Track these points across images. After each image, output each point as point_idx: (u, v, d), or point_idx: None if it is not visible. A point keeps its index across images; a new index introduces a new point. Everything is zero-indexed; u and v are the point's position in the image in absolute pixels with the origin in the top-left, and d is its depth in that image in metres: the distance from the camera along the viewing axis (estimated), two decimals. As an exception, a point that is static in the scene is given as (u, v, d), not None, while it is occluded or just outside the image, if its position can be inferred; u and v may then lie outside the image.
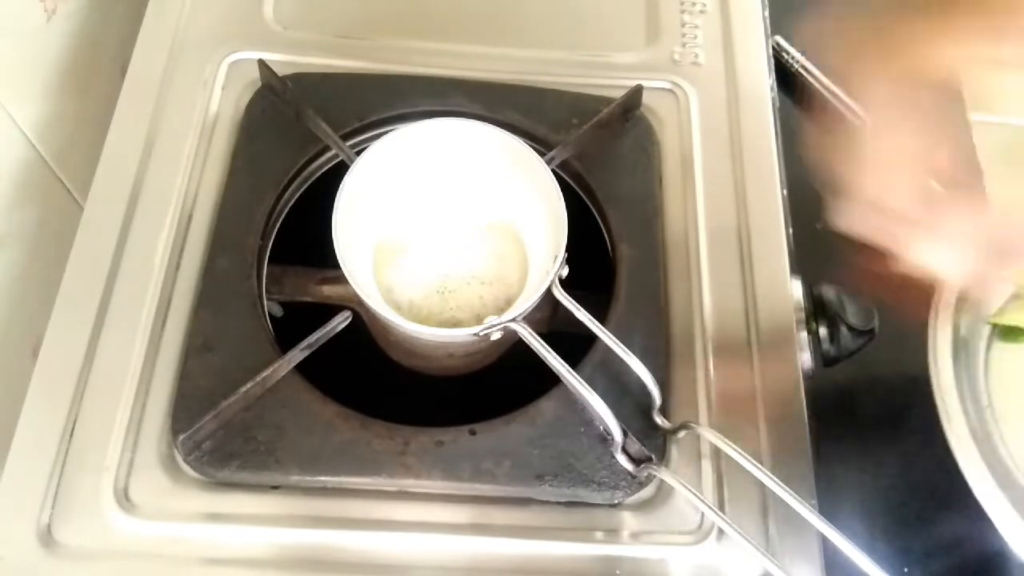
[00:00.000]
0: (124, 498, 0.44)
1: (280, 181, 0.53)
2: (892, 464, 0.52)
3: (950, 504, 0.42)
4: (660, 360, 0.49)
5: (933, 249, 0.37)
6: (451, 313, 0.49)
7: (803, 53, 0.65)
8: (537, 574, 0.44)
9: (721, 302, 0.52)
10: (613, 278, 0.51)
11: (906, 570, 0.49)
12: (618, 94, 0.56)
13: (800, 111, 0.64)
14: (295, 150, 0.54)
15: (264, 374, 0.45)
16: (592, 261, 0.50)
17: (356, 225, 0.46)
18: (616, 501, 0.45)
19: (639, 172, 0.55)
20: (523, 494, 0.45)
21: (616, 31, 0.63)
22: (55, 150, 0.59)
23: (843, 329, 0.49)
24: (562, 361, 0.43)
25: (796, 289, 0.52)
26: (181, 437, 0.43)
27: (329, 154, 0.55)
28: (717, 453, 0.47)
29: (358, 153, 0.47)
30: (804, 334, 0.51)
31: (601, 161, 0.55)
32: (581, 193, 0.55)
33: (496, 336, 0.44)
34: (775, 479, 0.41)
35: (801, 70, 0.65)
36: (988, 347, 0.49)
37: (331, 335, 0.47)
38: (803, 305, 0.51)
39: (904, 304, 0.44)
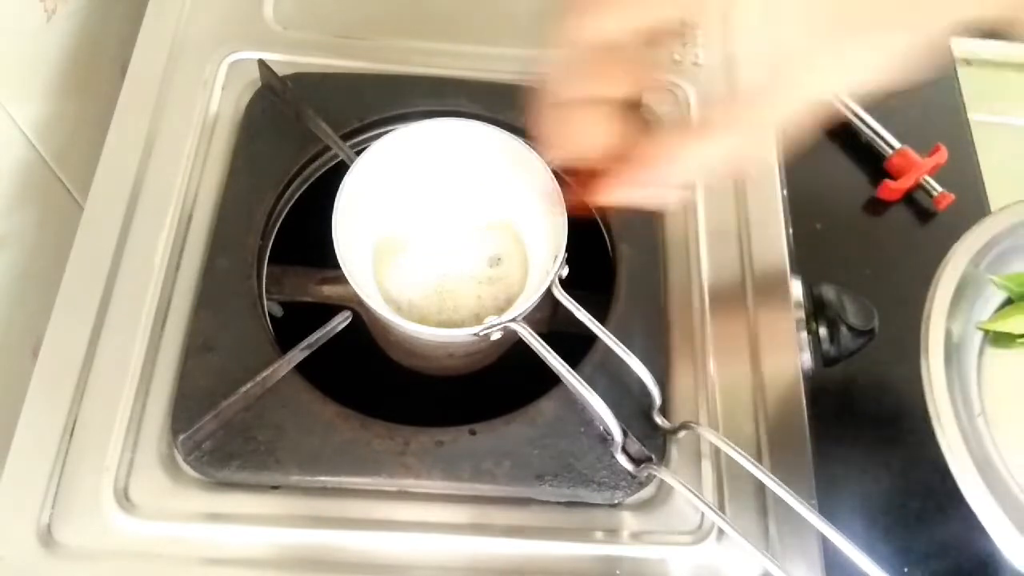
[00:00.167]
0: (124, 498, 0.44)
1: (280, 181, 0.53)
2: (892, 464, 0.52)
3: (950, 504, 0.42)
4: (660, 360, 0.49)
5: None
6: (451, 313, 0.49)
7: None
8: (537, 574, 0.44)
9: (721, 302, 0.52)
10: (613, 278, 0.51)
11: (906, 570, 0.49)
12: (618, 94, 0.56)
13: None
14: (295, 150, 0.54)
15: (264, 374, 0.45)
16: (592, 261, 0.50)
17: (356, 225, 0.46)
18: (616, 501, 0.45)
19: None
20: (523, 494, 0.45)
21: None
22: (55, 150, 0.59)
23: (843, 329, 0.49)
24: (562, 361, 0.43)
25: (796, 289, 0.52)
26: (181, 437, 0.43)
27: (329, 154, 0.55)
28: (717, 453, 0.47)
29: (358, 153, 0.47)
30: (804, 334, 0.51)
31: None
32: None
33: (496, 336, 0.44)
34: (775, 479, 0.41)
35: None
36: (980, 353, 0.49)
37: (331, 335, 0.47)
38: (803, 305, 0.51)
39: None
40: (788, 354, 0.50)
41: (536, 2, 0.64)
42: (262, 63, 0.55)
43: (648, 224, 0.53)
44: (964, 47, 0.68)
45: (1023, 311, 0.49)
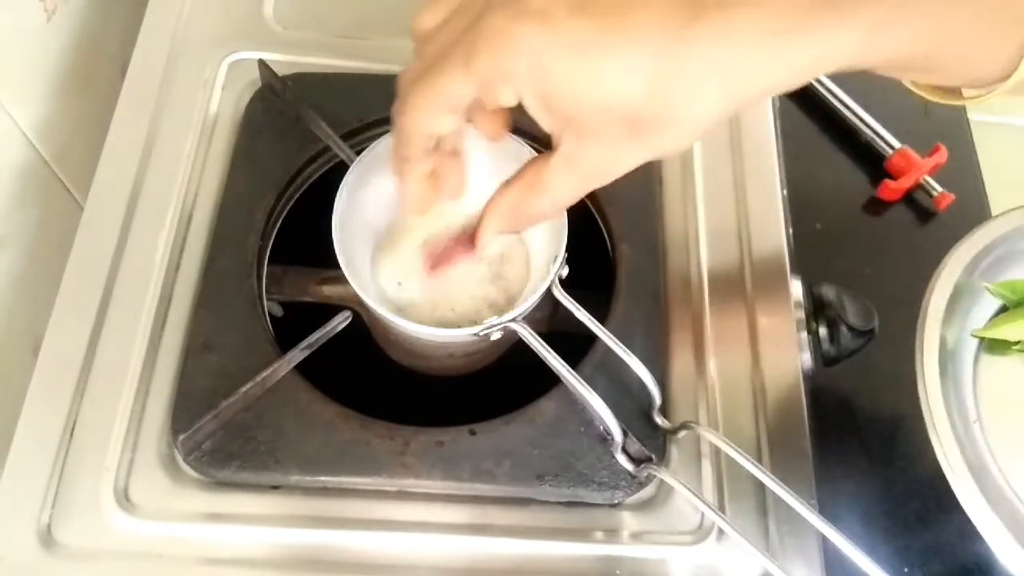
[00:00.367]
0: (124, 498, 0.44)
1: (280, 181, 0.53)
2: (892, 464, 0.52)
3: (950, 504, 0.42)
4: (660, 360, 0.49)
5: None
6: (450, 313, 0.49)
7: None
8: (537, 574, 0.44)
9: (721, 302, 0.52)
10: (613, 278, 0.51)
11: (906, 570, 0.49)
12: (618, 94, 0.56)
13: (801, 112, 0.64)
14: (295, 150, 0.54)
15: (264, 374, 0.45)
16: (592, 261, 0.50)
17: (356, 225, 0.46)
18: (616, 501, 0.45)
19: (639, 172, 0.54)
20: (523, 494, 0.45)
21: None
22: (55, 150, 0.59)
23: (843, 329, 0.49)
24: (562, 361, 0.43)
25: (796, 289, 0.52)
26: (181, 437, 0.43)
27: (329, 154, 0.55)
28: (717, 453, 0.47)
29: (358, 153, 0.47)
30: (804, 334, 0.51)
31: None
32: (581, 193, 0.55)
33: (496, 336, 0.44)
34: (775, 479, 0.41)
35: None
36: (975, 360, 0.49)
37: (331, 335, 0.47)
38: (803, 305, 0.51)
39: None
40: (788, 354, 0.50)
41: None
42: (262, 63, 0.55)
43: (648, 224, 0.53)
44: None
45: (1018, 318, 0.49)
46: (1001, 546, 0.41)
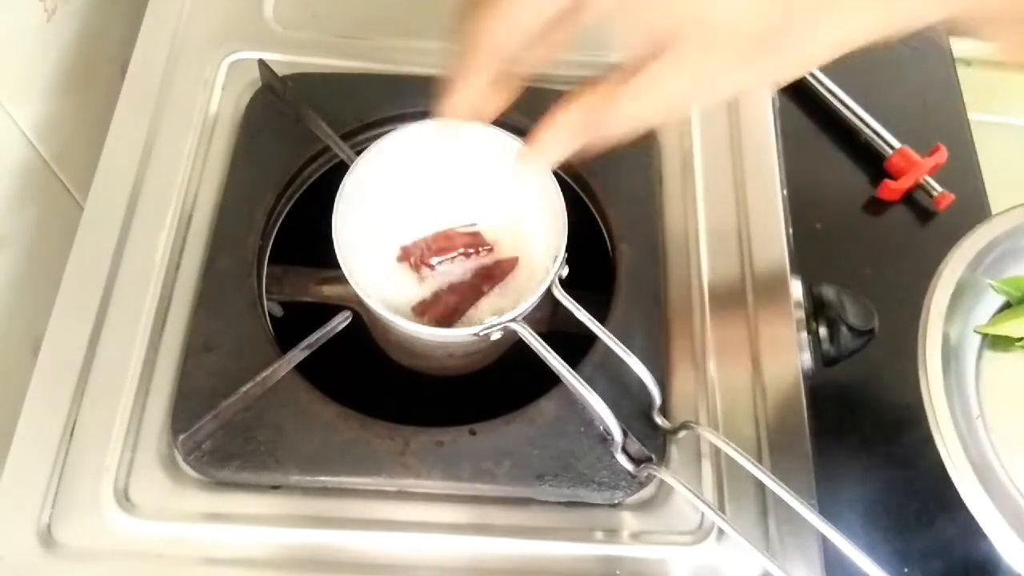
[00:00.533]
0: (124, 498, 0.44)
1: (280, 181, 0.53)
2: (892, 464, 0.52)
3: (950, 504, 0.42)
4: (660, 360, 0.49)
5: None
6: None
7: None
8: (537, 574, 0.44)
9: (721, 302, 0.52)
10: (613, 278, 0.51)
11: (906, 570, 0.49)
12: (618, 94, 0.56)
13: (801, 111, 0.64)
14: (295, 150, 0.54)
15: (264, 374, 0.45)
16: (592, 261, 0.50)
17: (356, 225, 0.46)
18: (616, 501, 0.45)
19: (639, 172, 0.55)
20: (523, 494, 0.45)
21: (616, 31, 0.63)
22: (55, 150, 0.59)
23: (843, 329, 0.49)
24: (562, 361, 0.43)
25: (796, 289, 0.52)
26: (181, 437, 0.43)
27: (329, 154, 0.55)
28: (717, 453, 0.47)
29: (358, 153, 0.47)
30: (804, 334, 0.51)
31: (601, 161, 0.55)
32: (581, 193, 0.55)
33: (496, 336, 0.44)
34: (775, 479, 0.41)
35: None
36: (979, 357, 0.49)
37: (331, 335, 0.47)
38: (803, 305, 0.51)
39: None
40: (788, 354, 0.50)
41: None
42: (262, 63, 0.55)
43: (648, 224, 0.53)
44: (964, 47, 0.68)
45: (1021, 314, 0.49)
46: (1004, 543, 0.41)
